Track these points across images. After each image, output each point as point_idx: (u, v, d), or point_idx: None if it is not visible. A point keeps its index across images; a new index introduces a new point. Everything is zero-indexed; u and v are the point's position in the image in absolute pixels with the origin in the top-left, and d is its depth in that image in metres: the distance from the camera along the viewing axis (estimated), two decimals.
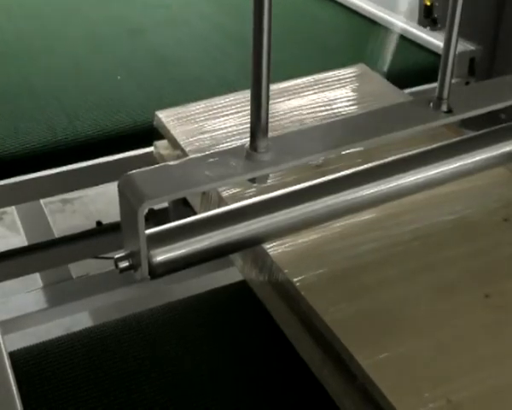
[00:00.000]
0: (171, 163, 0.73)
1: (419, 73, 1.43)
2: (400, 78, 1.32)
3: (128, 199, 0.68)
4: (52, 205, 2.10)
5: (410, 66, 1.46)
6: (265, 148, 0.72)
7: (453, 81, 0.84)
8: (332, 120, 0.99)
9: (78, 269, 1.53)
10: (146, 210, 0.68)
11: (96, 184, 1.26)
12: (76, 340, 0.83)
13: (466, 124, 1.13)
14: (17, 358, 0.79)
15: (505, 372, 0.67)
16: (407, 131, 0.79)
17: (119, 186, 0.70)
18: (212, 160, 0.72)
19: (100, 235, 1.36)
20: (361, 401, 0.70)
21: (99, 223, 1.47)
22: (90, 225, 1.56)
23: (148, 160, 1.11)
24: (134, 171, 0.70)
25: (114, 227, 1.35)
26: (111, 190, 2.21)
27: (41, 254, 1.32)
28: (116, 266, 0.70)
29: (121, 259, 0.71)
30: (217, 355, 0.82)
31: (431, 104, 0.83)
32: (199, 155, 0.74)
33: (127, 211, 0.69)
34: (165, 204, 1.35)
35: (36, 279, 1.52)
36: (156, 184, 0.69)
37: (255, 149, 0.72)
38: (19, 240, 1.79)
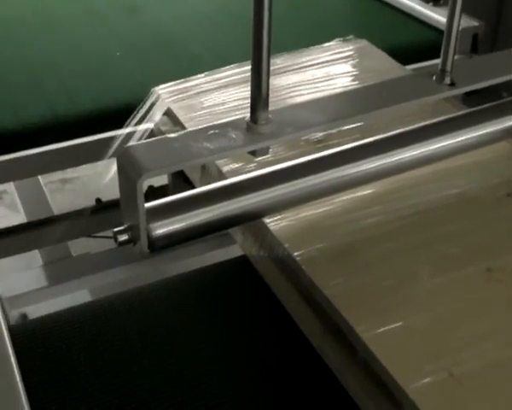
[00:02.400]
0: (171, 136, 0.72)
1: (421, 49, 1.42)
2: (403, 54, 1.31)
3: (127, 172, 0.67)
4: (51, 185, 2.10)
5: (412, 42, 1.44)
6: (266, 120, 0.72)
7: (456, 57, 0.84)
8: (333, 93, 0.98)
9: (77, 248, 1.53)
10: (146, 187, 0.67)
11: (96, 161, 1.25)
12: (75, 314, 0.82)
13: (468, 103, 1.13)
14: (16, 332, 0.79)
15: (507, 346, 0.67)
16: (410, 104, 0.78)
17: (117, 159, 0.69)
18: (211, 132, 0.71)
19: (99, 212, 1.36)
20: (362, 374, 0.69)
21: (98, 200, 1.47)
22: (90, 204, 1.56)
23: (148, 136, 1.10)
24: (133, 144, 0.70)
25: (114, 204, 1.34)
26: (111, 169, 2.20)
27: (40, 230, 1.31)
28: (115, 239, 0.70)
29: (120, 232, 0.70)
30: (217, 329, 0.81)
31: (434, 77, 0.82)
32: (198, 127, 0.73)
33: (126, 184, 0.68)
34: (166, 181, 1.34)
35: (36, 258, 1.52)
36: (155, 156, 0.69)
37: (255, 122, 0.72)
38: (18, 219, 1.78)
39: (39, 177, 1.74)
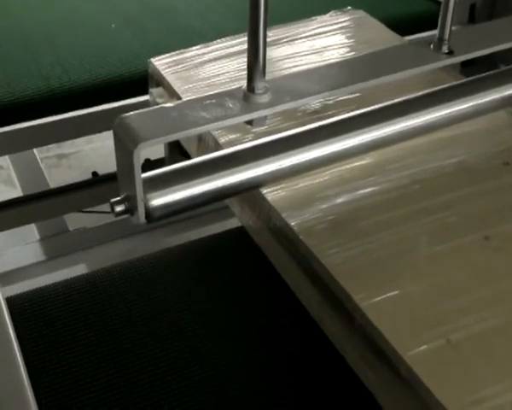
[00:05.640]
0: (167, 105, 0.72)
1: (419, 20, 1.41)
2: (400, 25, 1.29)
3: (123, 141, 0.67)
4: (48, 160, 2.09)
5: (410, 13, 1.44)
6: (263, 89, 0.71)
7: (453, 28, 0.83)
8: (331, 62, 0.98)
9: (74, 223, 1.52)
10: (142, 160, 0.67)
11: (92, 134, 1.25)
12: (73, 285, 0.83)
13: (465, 75, 1.12)
14: (14, 303, 0.79)
15: (504, 313, 0.67)
16: (407, 72, 0.77)
17: (114, 129, 0.68)
18: (208, 102, 0.71)
19: (96, 185, 1.36)
20: (360, 343, 0.69)
21: (95, 174, 1.46)
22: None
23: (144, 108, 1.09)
24: (129, 113, 0.69)
25: (110, 178, 1.34)
26: (107, 145, 2.19)
27: (37, 204, 1.31)
28: (112, 209, 0.70)
29: (117, 202, 0.70)
30: (215, 299, 0.81)
31: (431, 46, 0.82)
32: (195, 96, 0.73)
33: (123, 154, 0.68)
34: (162, 155, 1.34)
35: (33, 233, 1.51)
36: (152, 125, 0.68)
37: (252, 91, 0.71)
38: (15, 194, 1.78)
39: (36, 152, 1.74)
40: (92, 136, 1.81)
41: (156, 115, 0.70)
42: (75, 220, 1.53)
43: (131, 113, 0.69)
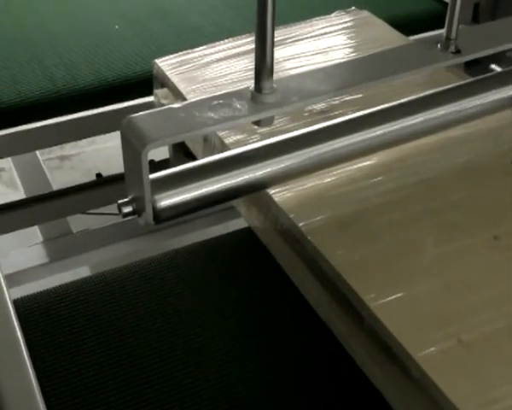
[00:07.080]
0: (175, 106, 0.72)
1: (423, 20, 1.41)
2: (405, 25, 1.29)
3: (131, 142, 0.67)
4: (50, 162, 2.09)
5: (414, 13, 1.43)
6: (270, 89, 0.71)
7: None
8: (338, 62, 0.97)
9: (77, 225, 1.52)
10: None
11: (96, 135, 1.24)
12: (79, 287, 0.82)
13: (470, 75, 1.12)
14: (21, 305, 0.79)
15: None
16: (415, 72, 0.77)
17: (121, 130, 0.68)
18: (216, 102, 0.71)
19: (99, 187, 1.35)
20: (369, 343, 0.69)
21: (99, 175, 1.46)
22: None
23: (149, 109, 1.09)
24: (137, 114, 0.69)
25: (113, 179, 1.34)
26: (109, 146, 2.18)
27: (40, 206, 1.31)
28: (119, 210, 0.70)
29: (125, 204, 0.70)
30: (223, 301, 0.81)
31: (439, 45, 0.81)
32: (203, 97, 0.73)
33: (130, 155, 0.68)
34: (166, 156, 1.33)
35: (36, 235, 1.51)
36: (159, 126, 0.68)
37: (260, 91, 0.71)
38: (18, 196, 1.78)
39: (38, 154, 1.74)
40: (94, 137, 1.81)
41: (164, 116, 0.70)
42: (78, 222, 1.53)
43: (139, 113, 0.69)
